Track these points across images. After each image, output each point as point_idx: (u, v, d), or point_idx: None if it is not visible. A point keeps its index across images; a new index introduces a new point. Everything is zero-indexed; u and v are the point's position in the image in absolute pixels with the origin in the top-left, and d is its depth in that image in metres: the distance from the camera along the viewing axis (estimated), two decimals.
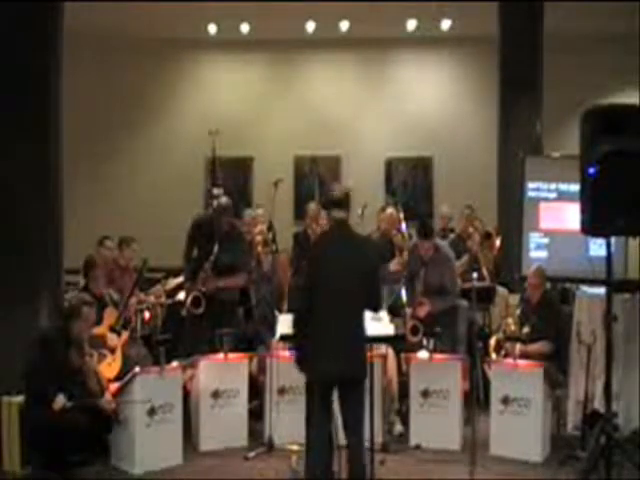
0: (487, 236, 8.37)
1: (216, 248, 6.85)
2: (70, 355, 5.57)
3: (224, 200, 7.26)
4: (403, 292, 7.05)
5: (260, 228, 8.24)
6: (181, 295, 7.25)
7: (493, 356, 6.51)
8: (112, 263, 7.13)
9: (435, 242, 7.06)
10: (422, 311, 6.82)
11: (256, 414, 6.66)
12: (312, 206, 8.76)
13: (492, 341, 6.65)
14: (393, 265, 7.58)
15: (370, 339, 5.56)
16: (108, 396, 5.63)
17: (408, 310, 6.88)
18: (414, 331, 6.73)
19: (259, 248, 7.89)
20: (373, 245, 5.01)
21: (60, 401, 5.28)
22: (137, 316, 6.69)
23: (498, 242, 8.44)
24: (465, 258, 8.14)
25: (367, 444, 5.43)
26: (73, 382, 5.45)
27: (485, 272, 8.03)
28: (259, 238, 7.99)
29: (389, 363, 6.65)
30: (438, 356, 6.49)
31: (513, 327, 6.51)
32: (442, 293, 6.90)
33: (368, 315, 5.57)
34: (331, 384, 4.94)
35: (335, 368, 4.84)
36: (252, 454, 6.14)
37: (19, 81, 6.14)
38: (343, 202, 5.01)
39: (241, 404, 6.46)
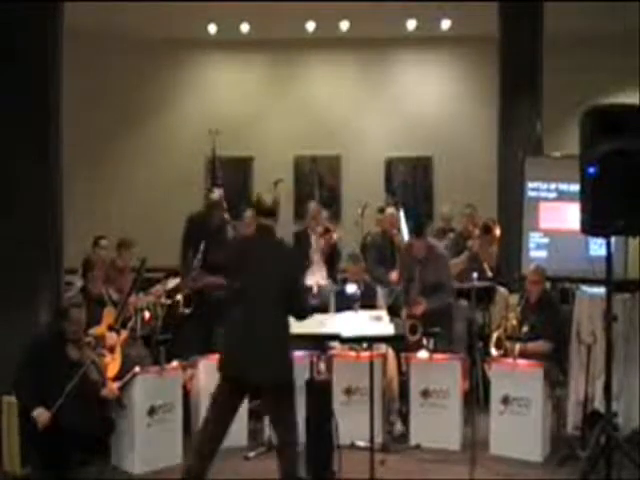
0: (486, 230, 8.31)
1: (203, 245, 6.83)
2: (67, 351, 5.59)
3: (215, 195, 7.24)
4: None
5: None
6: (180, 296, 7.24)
7: (493, 352, 6.50)
8: (109, 264, 7.12)
9: (428, 241, 7.13)
10: (418, 310, 6.85)
11: (256, 414, 6.66)
12: (312, 206, 8.74)
13: (493, 337, 6.63)
14: (394, 276, 7.64)
15: (369, 338, 5.58)
16: (110, 384, 5.66)
17: (405, 310, 6.90)
18: (413, 330, 6.74)
19: None
20: (295, 253, 5.29)
21: (42, 416, 5.24)
22: (137, 315, 6.68)
23: (498, 232, 8.35)
24: (465, 255, 8.13)
25: (367, 444, 5.45)
26: (73, 375, 5.44)
27: (487, 268, 8.03)
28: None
29: (389, 363, 6.65)
30: (438, 356, 6.49)
31: (515, 322, 6.50)
32: (438, 290, 6.93)
33: (367, 315, 5.57)
34: (244, 387, 4.92)
35: (249, 371, 4.80)
36: (252, 454, 6.15)
37: (19, 81, 6.14)
38: (272, 211, 5.17)
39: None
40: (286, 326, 4.96)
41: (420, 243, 7.02)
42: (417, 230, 7.13)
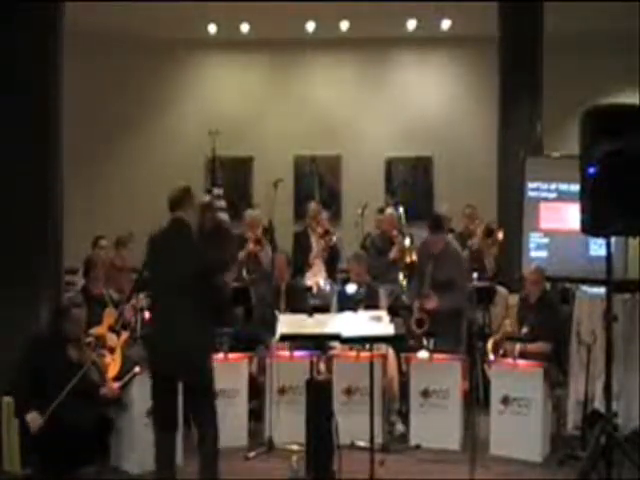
0: (489, 233, 8.31)
1: None
2: (67, 351, 5.60)
3: (206, 197, 7.22)
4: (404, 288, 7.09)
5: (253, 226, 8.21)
6: None
7: (491, 357, 6.51)
8: (109, 264, 7.12)
9: (445, 237, 7.08)
10: (430, 304, 6.74)
11: (256, 414, 6.66)
12: (312, 205, 8.76)
13: (490, 342, 6.64)
14: (393, 254, 7.65)
15: (369, 339, 5.57)
16: (110, 383, 5.66)
17: (416, 303, 6.85)
18: (420, 324, 6.69)
19: (251, 246, 7.83)
20: (200, 248, 5.13)
21: (35, 421, 5.28)
22: (137, 316, 6.68)
23: (501, 235, 8.37)
24: (466, 252, 8.14)
25: (367, 444, 5.45)
26: (72, 375, 5.44)
27: (489, 267, 8.04)
28: (250, 234, 7.93)
29: (389, 363, 6.65)
30: (438, 356, 6.49)
31: (509, 329, 6.52)
32: (450, 288, 6.78)
33: (367, 315, 5.57)
34: (168, 379, 4.96)
35: (167, 364, 4.91)
36: (252, 454, 6.15)
37: (19, 81, 6.14)
38: (177, 203, 5.21)
39: (241, 404, 6.46)
40: (202, 316, 4.96)
41: (437, 238, 6.92)
42: (435, 225, 7.00)
